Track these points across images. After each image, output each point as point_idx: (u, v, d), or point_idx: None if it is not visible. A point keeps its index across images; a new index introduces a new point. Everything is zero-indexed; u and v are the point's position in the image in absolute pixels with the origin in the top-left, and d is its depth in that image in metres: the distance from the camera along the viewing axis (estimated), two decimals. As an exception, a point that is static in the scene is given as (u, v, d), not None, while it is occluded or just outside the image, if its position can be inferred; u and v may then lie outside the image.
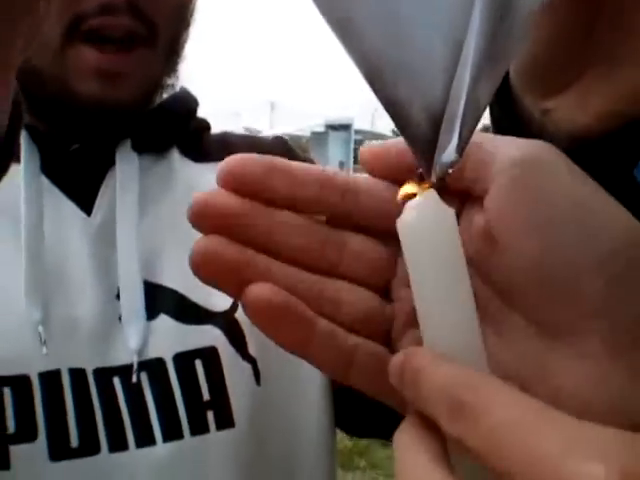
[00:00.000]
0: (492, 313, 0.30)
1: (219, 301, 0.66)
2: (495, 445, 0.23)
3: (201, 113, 0.77)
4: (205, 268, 0.30)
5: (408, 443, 0.27)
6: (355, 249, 0.32)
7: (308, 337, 0.30)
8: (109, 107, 0.63)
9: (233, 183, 0.30)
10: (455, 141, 0.31)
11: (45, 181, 0.64)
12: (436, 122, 0.31)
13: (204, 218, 0.30)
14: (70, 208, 0.64)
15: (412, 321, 0.31)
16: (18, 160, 0.63)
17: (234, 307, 0.66)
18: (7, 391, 0.57)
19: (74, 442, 0.58)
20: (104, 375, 0.61)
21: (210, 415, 0.62)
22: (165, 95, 0.72)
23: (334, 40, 0.30)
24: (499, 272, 0.29)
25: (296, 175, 0.31)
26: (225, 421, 0.62)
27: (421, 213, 0.30)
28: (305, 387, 0.67)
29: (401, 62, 0.30)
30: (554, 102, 0.42)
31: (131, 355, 0.62)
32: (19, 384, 0.58)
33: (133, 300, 0.63)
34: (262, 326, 0.30)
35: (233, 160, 0.31)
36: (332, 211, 0.32)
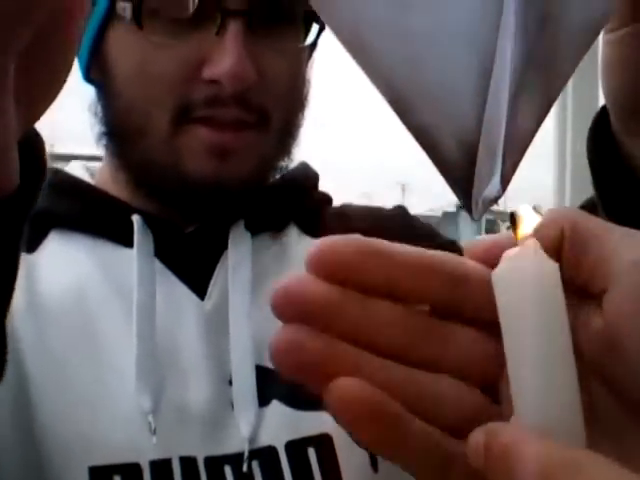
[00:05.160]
0: (612, 424, 0.27)
1: (333, 385, 0.63)
2: None
3: (331, 193, 0.76)
4: (286, 361, 0.27)
5: None
6: (460, 343, 0.29)
7: (400, 440, 0.27)
8: (221, 186, 0.63)
9: (322, 268, 0.28)
10: (498, 174, 0.28)
11: (159, 265, 0.65)
12: (469, 150, 0.28)
13: (286, 307, 0.27)
14: (183, 292, 0.65)
15: None
16: (131, 245, 0.64)
17: None
18: (118, 479, 0.57)
19: None
20: (215, 464, 0.59)
21: None
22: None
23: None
24: (621, 380, 0.26)
25: (396, 259, 0.28)
26: None
27: (519, 264, 0.26)
28: None
29: (424, 85, 0.28)
30: None
31: (243, 443, 0.60)
32: (130, 472, 0.57)
33: (245, 386, 0.62)
34: (347, 426, 0.27)
35: (323, 242, 0.29)
36: (437, 301, 0.29)
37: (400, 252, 0.29)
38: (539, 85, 0.28)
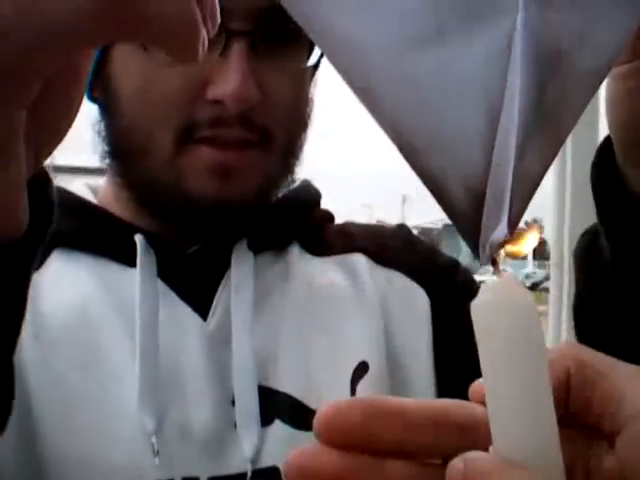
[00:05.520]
0: None
1: (335, 405, 0.63)
2: None
3: (333, 205, 0.76)
4: None
5: None
6: None
7: None
8: (223, 206, 0.63)
9: (332, 436, 0.28)
10: (505, 219, 0.28)
11: (161, 285, 0.65)
12: (477, 196, 0.28)
13: None
14: (186, 312, 0.65)
15: None
16: (134, 264, 0.64)
17: None
18: None
19: None
20: None
21: None
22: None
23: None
24: None
25: (404, 417, 0.28)
26: None
27: (497, 295, 0.27)
28: None
29: (432, 131, 0.28)
30: None
31: (245, 463, 0.60)
32: None
33: (248, 406, 0.62)
34: None
35: (329, 409, 0.28)
36: (449, 453, 0.28)
37: (407, 408, 0.29)
38: (546, 131, 0.28)
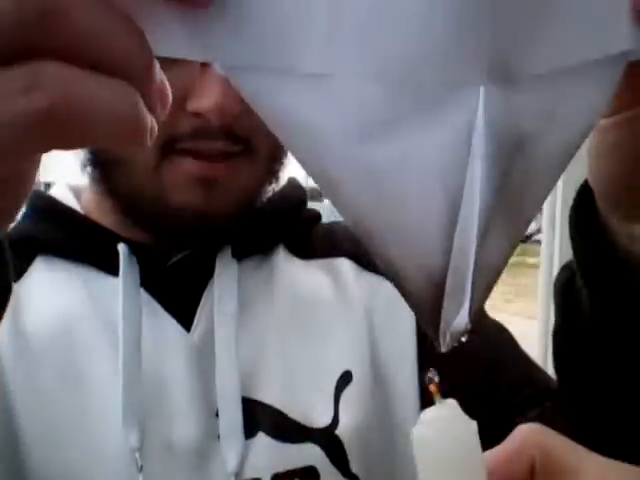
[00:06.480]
0: None
1: (319, 417, 0.64)
2: None
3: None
4: None
5: None
6: None
7: None
8: (207, 217, 0.63)
9: None
10: (467, 306, 0.28)
11: (144, 295, 0.64)
12: (437, 285, 0.27)
13: None
14: (169, 324, 0.64)
15: None
16: (117, 273, 0.64)
17: (334, 423, 0.63)
18: None
19: None
20: None
21: None
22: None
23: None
24: None
25: None
26: None
27: (438, 424, 0.27)
28: None
29: (390, 219, 0.27)
30: None
31: (229, 477, 0.60)
32: None
33: (232, 419, 0.62)
34: None
35: None
36: None
37: None
38: (509, 218, 0.28)
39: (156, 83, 0.27)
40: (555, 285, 0.49)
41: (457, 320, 0.28)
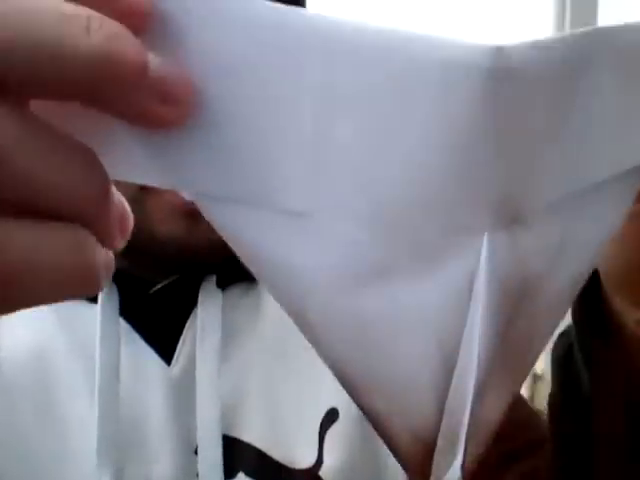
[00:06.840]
0: None
1: (302, 457, 0.61)
2: None
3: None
4: None
5: None
6: None
7: None
8: (191, 248, 0.60)
9: None
10: (459, 461, 0.25)
11: (124, 325, 0.61)
12: (426, 444, 0.25)
13: None
14: (149, 356, 0.62)
15: None
16: (95, 300, 0.61)
17: (318, 464, 0.61)
18: None
19: None
20: None
21: None
22: None
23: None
24: None
25: None
26: None
27: None
28: None
29: (378, 373, 0.24)
30: None
31: None
32: None
33: (212, 457, 0.59)
34: None
35: None
36: None
37: None
38: (509, 370, 0.25)
39: (113, 213, 0.24)
40: (552, 354, 0.47)
41: (448, 476, 0.25)
